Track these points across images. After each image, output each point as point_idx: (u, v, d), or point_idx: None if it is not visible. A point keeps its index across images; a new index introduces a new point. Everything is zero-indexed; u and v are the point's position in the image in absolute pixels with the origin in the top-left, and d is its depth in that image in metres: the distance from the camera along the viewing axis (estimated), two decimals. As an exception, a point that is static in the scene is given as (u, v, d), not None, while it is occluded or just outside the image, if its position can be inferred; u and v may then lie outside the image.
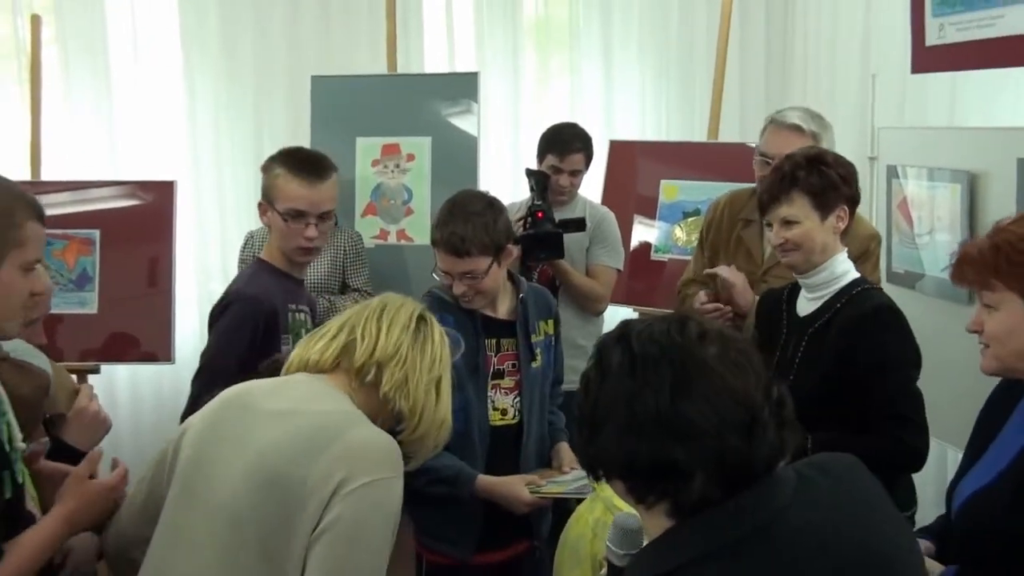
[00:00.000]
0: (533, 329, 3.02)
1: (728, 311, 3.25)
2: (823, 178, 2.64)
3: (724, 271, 3.30)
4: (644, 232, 4.81)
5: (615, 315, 5.42)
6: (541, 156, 4.04)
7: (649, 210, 4.82)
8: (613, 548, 1.67)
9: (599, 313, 4.22)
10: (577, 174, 4.06)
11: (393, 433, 1.96)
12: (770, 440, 1.37)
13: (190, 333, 4.93)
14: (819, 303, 2.68)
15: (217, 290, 4.93)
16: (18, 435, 1.96)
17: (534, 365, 3.00)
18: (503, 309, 2.98)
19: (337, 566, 1.72)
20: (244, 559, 1.75)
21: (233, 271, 4.39)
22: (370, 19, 5.11)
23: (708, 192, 4.56)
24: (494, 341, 2.97)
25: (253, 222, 4.77)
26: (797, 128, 3.24)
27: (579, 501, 2.25)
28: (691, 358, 1.36)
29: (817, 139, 3.22)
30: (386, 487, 1.78)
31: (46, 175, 4.61)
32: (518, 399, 2.98)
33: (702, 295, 3.37)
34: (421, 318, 2.07)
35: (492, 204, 2.90)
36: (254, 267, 3.01)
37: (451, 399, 2.08)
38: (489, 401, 2.95)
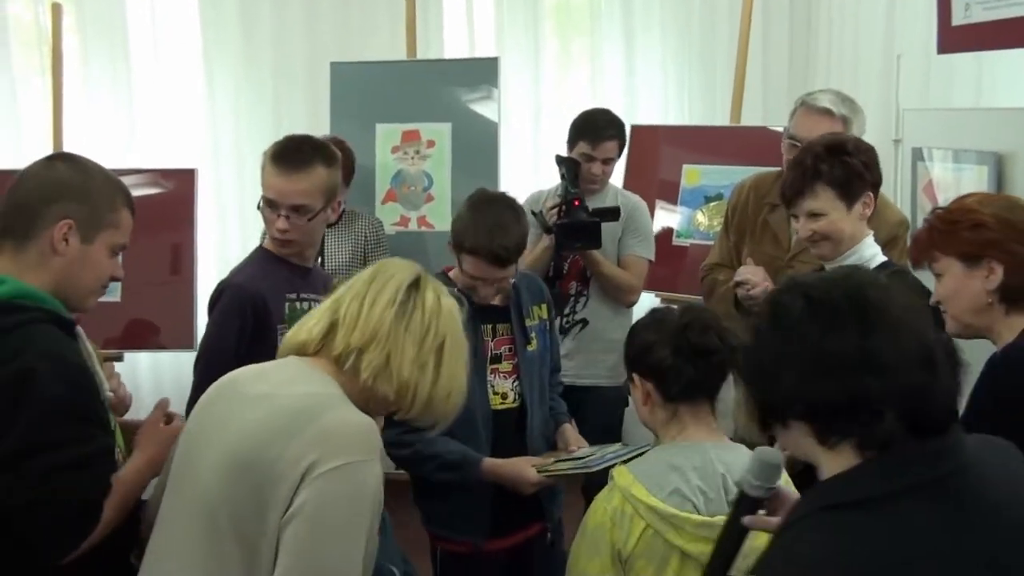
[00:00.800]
0: (527, 313, 3.04)
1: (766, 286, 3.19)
2: (846, 169, 2.63)
3: (739, 275, 3.25)
4: (666, 217, 4.77)
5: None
6: (572, 143, 3.94)
7: (671, 195, 4.79)
8: (750, 479, 1.69)
9: (631, 305, 4.10)
10: (609, 162, 3.94)
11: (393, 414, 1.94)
12: (947, 380, 1.44)
13: (212, 321, 4.96)
14: None
15: (238, 278, 4.97)
16: (106, 385, 2.09)
17: (530, 348, 3.02)
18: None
19: (304, 550, 1.68)
20: (221, 546, 1.72)
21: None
22: (389, 4, 5.10)
23: (730, 176, 4.52)
24: (490, 326, 2.98)
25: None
26: (827, 112, 3.20)
27: (599, 488, 2.22)
28: (870, 300, 1.43)
29: (847, 123, 3.17)
30: (356, 471, 1.72)
31: (68, 163, 4.62)
32: (517, 383, 2.99)
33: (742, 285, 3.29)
34: (412, 286, 1.93)
35: (519, 212, 2.92)
36: (253, 255, 2.98)
37: (463, 361, 1.95)
38: (489, 386, 2.96)
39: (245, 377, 1.92)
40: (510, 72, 5.13)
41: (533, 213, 3.74)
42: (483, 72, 4.66)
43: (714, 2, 5.42)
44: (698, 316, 2.20)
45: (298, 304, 2.87)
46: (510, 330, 3.00)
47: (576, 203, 3.65)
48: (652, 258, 4.15)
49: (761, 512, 1.71)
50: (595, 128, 3.89)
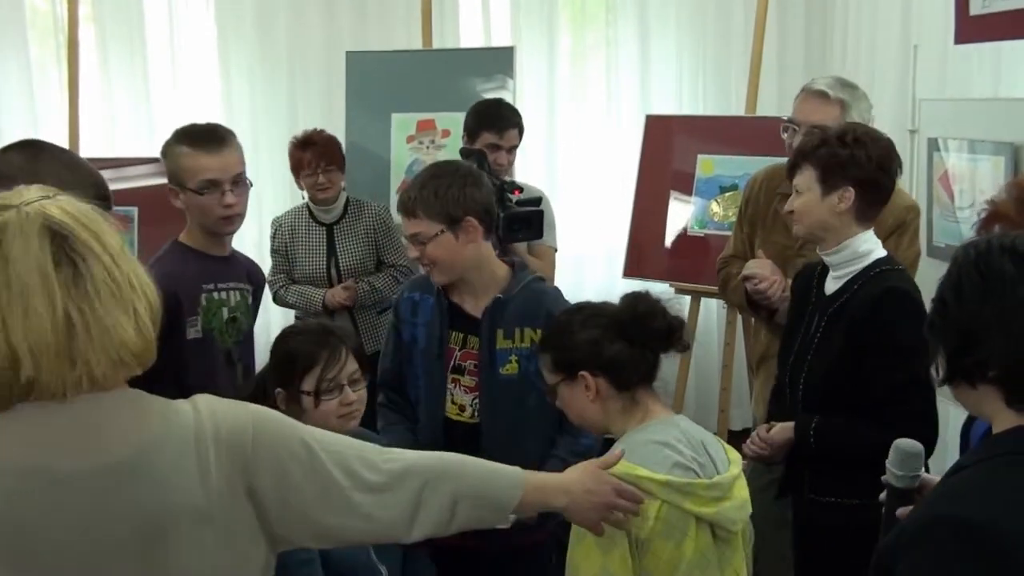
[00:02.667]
0: (508, 334, 2.77)
1: (781, 284, 3.18)
2: (831, 154, 2.59)
3: (747, 270, 3.25)
4: (681, 208, 4.77)
5: (652, 291, 5.42)
6: (474, 135, 3.81)
7: (686, 185, 4.78)
8: (895, 471, 1.76)
9: None
10: (513, 150, 3.87)
11: None
12: None
13: (227, 310, 4.98)
14: (841, 282, 2.65)
15: (254, 267, 4.98)
16: None
17: (503, 371, 2.76)
18: (481, 304, 2.78)
19: None
20: None
21: (268, 248, 4.41)
22: (405, -7, 5.11)
23: (745, 167, 4.52)
24: (461, 336, 2.81)
25: (289, 199, 4.80)
26: (823, 94, 3.19)
27: None
28: None
29: (845, 106, 3.16)
30: None
31: (84, 152, 4.64)
32: (477, 400, 2.80)
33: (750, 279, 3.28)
34: None
35: (463, 174, 2.73)
36: (164, 248, 2.92)
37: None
38: (448, 392, 2.82)
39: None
40: (525, 62, 5.14)
41: None
42: (499, 62, 4.66)
43: (730, -8, 5.41)
44: (646, 302, 2.22)
45: (216, 294, 2.85)
46: (479, 346, 2.78)
47: (517, 193, 3.56)
48: (557, 247, 4.06)
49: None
50: (500, 116, 3.83)
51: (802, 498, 2.74)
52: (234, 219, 2.87)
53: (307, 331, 2.53)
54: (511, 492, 1.79)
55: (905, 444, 1.76)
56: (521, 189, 3.63)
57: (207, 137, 2.84)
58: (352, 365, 2.44)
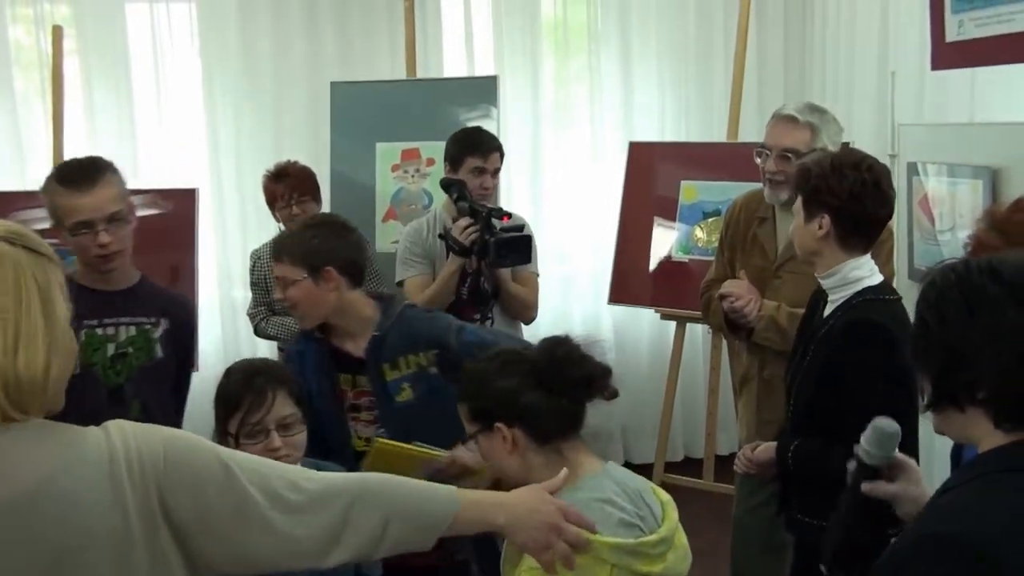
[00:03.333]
0: (394, 365, 2.85)
1: (750, 306, 3.25)
2: (808, 183, 2.64)
3: (725, 289, 3.32)
4: (665, 234, 4.81)
5: (637, 317, 5.45)
6: (458, 162, 3.81)
7: (669, 211, 4.82)
8: (869, 449, 1.76)
9: (531, 321, 4.02)
10: (496, 173, 3.88)
11: None
12: None
13: (213, 340, 4.97)
14: (832, 307, 2.70)
15: (240, 297, 4.99)
16: None
17: (399, 400, 2.85)
18: (361, 344, 2.87)
19: None
20: None
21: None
22: (389, 24, 5.15)
23: (728, 192, 4.55)
24: (351, 377, 2.90)
25: (274, 230, 4.80)
26: (792, 119, 3.25)
27: None
28: None
29: (815, 130, 3.22)
30: None
31: (69, 185, 4.65)
32: (382, 430, 2.85)
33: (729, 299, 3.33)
34: None
35: (335, 227, 2.88)
36: None
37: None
38: (352, 429, 2.91)
39: None
40: (509, 90, 5.17)
41: (441, 236, 3.71)
42: (482, 90, 4.70)
43: (710, 19, 5.47)
44: (565, 347, 2.09)
45: (99, 330, 2.83)
46: (371, 384, 2.87)
47: (505, 219, 3.63)
48: (539, 273, 4.08)
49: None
50: (482, 141, 3.85)
51: (792, 517, 2.79)
52: (112, 258, 2.81)
53: (239, 370, 2.46)
54: (446, 508, 1.67)
55: (883, 423, 1.75)
56: (510, 215, 3.68)
57: (80, 176, 2.79)
58: (284, 409, 2.35)
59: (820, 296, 2.84)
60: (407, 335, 2.87)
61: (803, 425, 2.69)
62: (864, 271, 2.66)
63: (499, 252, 3.58)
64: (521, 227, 3.73)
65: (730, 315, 3.29)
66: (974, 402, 1.47)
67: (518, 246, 3.62)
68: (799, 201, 2.67)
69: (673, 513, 2.05)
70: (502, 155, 3.90)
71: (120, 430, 1.51)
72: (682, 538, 2.04)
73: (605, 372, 2.07)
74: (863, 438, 1.77)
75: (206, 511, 1.51)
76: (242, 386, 2.36)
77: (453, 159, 3.84)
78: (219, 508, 1.51)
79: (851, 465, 1.83)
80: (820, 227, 2.62)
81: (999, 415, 1.46)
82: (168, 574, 1.50)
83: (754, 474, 2.83)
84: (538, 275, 4.05)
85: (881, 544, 1.60)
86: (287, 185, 4.14)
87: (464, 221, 3.63)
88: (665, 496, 2.10)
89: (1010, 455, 1.45)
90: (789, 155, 3.20)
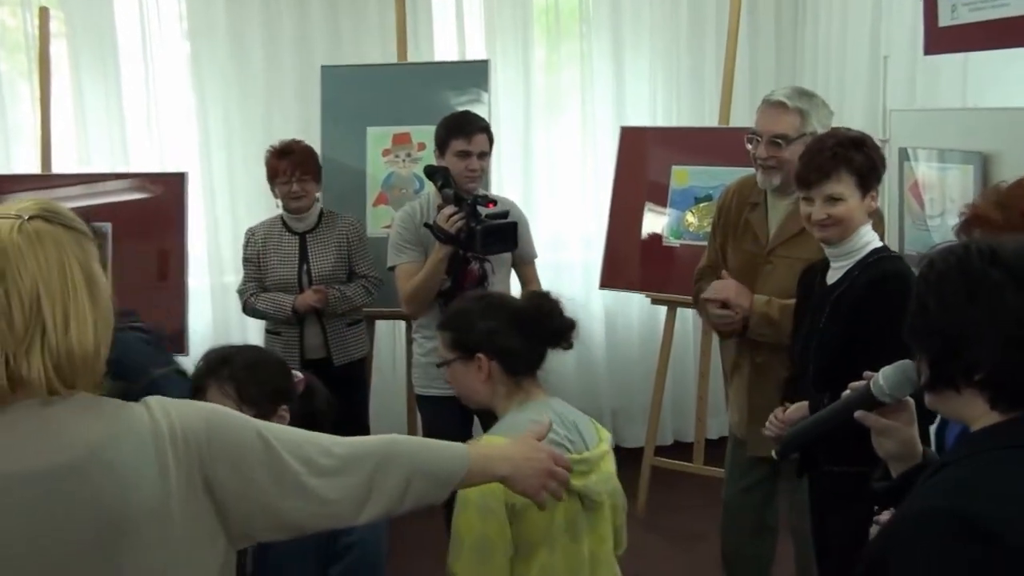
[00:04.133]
0: None
1: (737, 318, 3.29)
2: (868, 159, 2.76)
3: (710, 292, 3.36)
4: (656, 219, 4.80)
5: (628, 301, 5.45)
6: (444, 146, 3.81)
7: (660, 196, 4.82)
8: (883, 385, 1.80)
9: None
10: (484, 156, 3.83)
11: None
12: None
13: (203, 325, 4.96)
14: (841, 272, 2.80)
15: (230, 282, 4.97)
16: None
17: None
18: None
19: None
20: None
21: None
22: (379, 8, 5.12)
23: (719, 177, 4.56)
24: None
25: (264, 213, 4.79)
26: (781, 105, 3.26)
27: None
28: None
29: (804, 115, 3.24)
30: None
31: (56, 168, 4.63)
32: None
33: (712, 302, 3.37)
34: None
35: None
36: None
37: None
38: None
39: None
40: (500, 75, 5.16)
41: (427, 225, 3.71)
42: (474, 75, 4.69)
43: (702, 4, 5.45)
44: (549, 301, 2.43)
45: None
46: None
47: (491, 206, 3.63)
48: (537, 255, 4.13)
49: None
50: (466, 123, 3.83)
51: (822, 472, 2.86)
52: None
53: (205, 358, 2.44)
54: (460, 463, 1.79)
55: (911, 369, 1.75)
56: (495, 202, 3.68)
57: None
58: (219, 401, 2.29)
59: (814, 270, 2.94)
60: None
61: (826, 383, 2.72)
62: (871, 235, 2.81)
63: (485, 240, 3.59)
64: (506, 213, 3.72)
65: (714, 320, 3.35)
66: (971, 384, 1.49)
67: (504, 234, 3.63)
68: (848, 182, 2.73)
69: (606, 446, 2.37)
70: (490, 138, 3.88)
71: (161, 406, 1.55)
72: (608, 467, 2.36)
73: (573, 326, 2.42)
74: (883, 375, 1.80)
75: (247, 482, 1.56)
76: (197, 375, 2.39)
77: (439, 143, 3.83)
78: (260, 479, 1.57)
79: (854, 386, 1.88)
80: (872, 200, 2.79)
81: (996, 397, 1.48)
82: (208, 546, 1.55)
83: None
84: (536, 257, 4.09)
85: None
86: (290, 162, 4.16)
87: (449, 209, 3.63)
88: (606, 433, 2.42)
89: (1010, 432, 1.47)
90: (779, 140, 3.22)
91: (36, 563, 1.43)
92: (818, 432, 1.97)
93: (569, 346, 2.42)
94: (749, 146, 3.33)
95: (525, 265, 4.01)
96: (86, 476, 1.44)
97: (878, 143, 4.03)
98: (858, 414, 1.82)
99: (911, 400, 1.83)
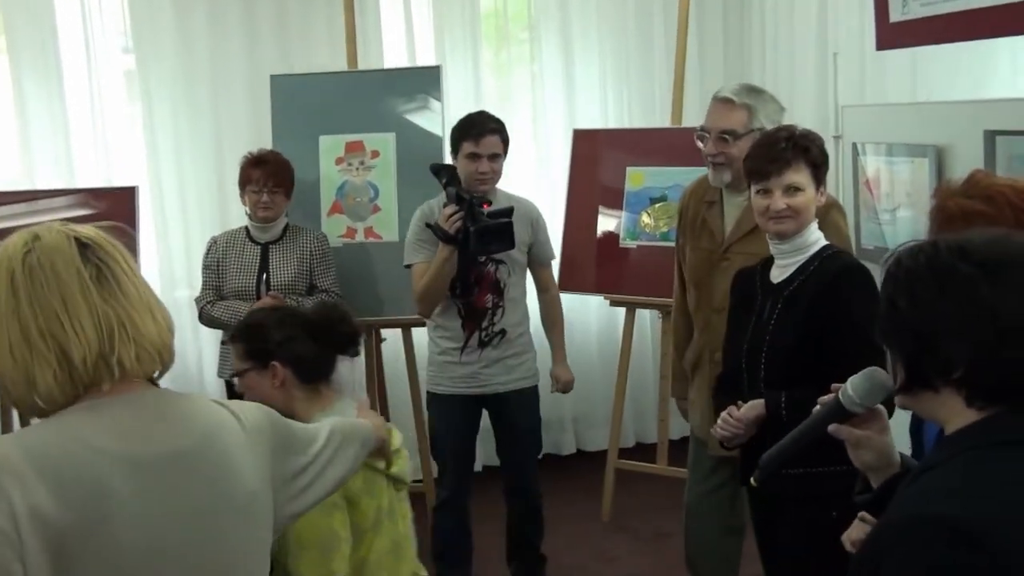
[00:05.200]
0: None
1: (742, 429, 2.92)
2: (820, 152, 2.79)
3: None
4: (611, 220, 4.81)
5: (585, 304, 5.45)
6: (456, 148, 3.84)
7: (615, 198, 4.82)
8: (853, 396, 1.77)
9: (555, 299, 4.24)
10: (495, 158, 3.83)
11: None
12: None
13: (157, 341, 4.87)
14: (792, 269, 2.78)
15: (182, 297, 4.89)
16: None
17: None
18: None
19: None
20: None
21: (198, 278, 4.34)
22: (328, 15, 5.06)
23: (674, 178, 4.57)
24: None
25: (216, 226, 4.73)
26: (728, 101, 3.27)
27: None
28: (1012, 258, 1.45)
29: (752, 111, 3.25)
30: None
31: (1, 186, 4.53)
32: None
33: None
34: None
35: None
36: None
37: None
38: None
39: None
40: (451, 79, 5.12)
41: (428, 225, 3.74)
42: (425, 80, 4.66)
43: (649, 5, 5.46)
44: (339, 310, 2.66)
45: None
46: None
47: (486, 206, 3.64)
48: (555, 256, 4.24)
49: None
50: (477, 123, 3.84)
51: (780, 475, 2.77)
52: None
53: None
54: (371, 431, 2.16)
55: (879, 376, 1.74)
56: (490, 202, 3.68)
57: None
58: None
59: (751, 271, 2.92)
60: None
61: (780, 380, 2.72)
62: (818, 232, 2.81)
63: (479, 240, 3.60)
64: (509, 211, 3.70)
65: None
66: (949, 382, 1.46)
67: (500, 233, 3.63)
68: (805, 173, 2.74)
69: (399, 435, 2.61)
70: (504, 139, 3.87)
71: (237, 405, 1.73)
72: (405, 451, 2.63)
73: (360, 333, 2.68)
74: (851, 385, 1.78)
75: (298, 472, 1.79)
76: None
77: (451, 144, 3.87)
78: (305, 467, 1.82)
79: (823, 401, 1.85)
80: (821, 195, 2.79)
81: (973, 394, 1.45)
82: (273, 533, 1.74)
83: (740, 433, 2.77)
84: (553, 259, 4.18)
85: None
86: (264, 171, 4.12)
87: (449, 209, 3.66)
88: (389, 426, 2.60)
89: (990, 430, 1.44)
90: (727, 136, 3.22)
91: (156, 540, 1.53)
92: (795, 451, 1.94)
93: (356, 353, 2.62)
94: (699, 143, 3.34)
95: (541, 267, 4.06)
96: (202, 460, 1.60)
97: (831, 139, 4.12)
98: (831, 428, 1.79)
99: (882, 408, 1.81)
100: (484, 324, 3.87)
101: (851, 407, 1.78)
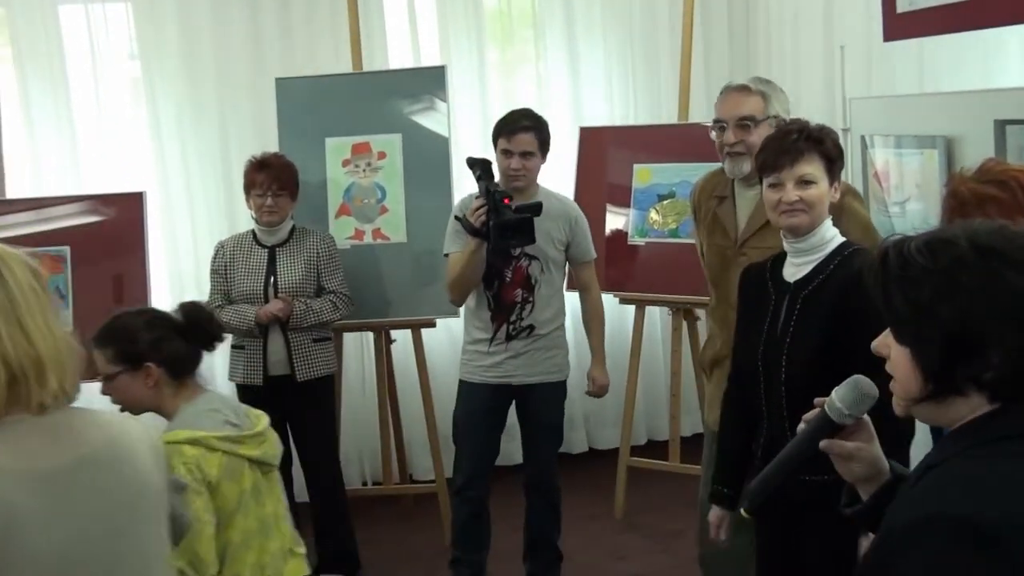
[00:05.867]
0: None
1: None
2: (835, 146, 2.71)
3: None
4: (619, 218, 4.80)
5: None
6: (494, 143, 3.91)
7: (622, 196, 4.81)
8: (840, 407, 1.71)
9: (597, 299, 4.24)
10: (528, 156, 3.84)
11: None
12: None
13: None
14: (809, 267, 2.69)
15: (192, 301, 4.90)
16: None
17: None
18: None
19: None
20: None
21: (207, 282, 4.33)
22: (332, 17, 5.06)
23: (682, 174, 4.56)
24: None
25: (224, 231, 4.73)
26: (744, 88, 3.24)
27: None
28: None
29: (766, 98, 3.21)
30: None
31: (10, 193, 4.54)
32: None
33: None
34: None
35: None
36: None
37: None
38: None
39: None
40: (456, 79, 5.12)
41: (457, 218, 3.80)
42: (430, 81, 4.66)
43: (654, 1, 5.45)
44: (203, 310, 2.79)
45: None
46: None
47: (506, 201, 3.66)
48: (596, 255, 4.20)
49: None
50: (511, 121, 3.88)
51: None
52: None
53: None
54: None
55: (864, 384, 1.70)
56: (510, 197, 3.68)
57: None
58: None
59: (761, 268, 2.83)
60: None
61: (802, 380, 2.61)
62: (834, 228, 2.72)
63: (500, 235, 3.64)
64: (535, 208, 3.71)
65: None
66: (979, 385, 1.39)
67: (521, 228, 3.65)
68: (819, 165, 2.66)
69: (265, 419, 2.73)
70: (540, 137, 3.88)
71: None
72: (272, 435, 2.73)
73: (222, 329, 2.90)
74: (837, 397, 1.72)
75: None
76: None
77: (492, 140, 3.92)
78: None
79: (808, 418, 1.79)
80: (835, 190, 2.70)
81: (1000, 391, 1.38)
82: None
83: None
84: (595, 257, 4.15)
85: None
86: (267, 175, 4.11)
87: (477, 202, 3.71)
88: (257, 412, 2.76)
89: (999, 422, 1.39)
90: (747, 123, 3.18)
91: (75, 547, 1.62)
92: (785, 473, 1.84)
93: (213, 349, 2.76)
94: (713, 135, 3.29)
95: (579, 265, 4.07)
96: (108, 463, 1.70)
97: (839, 132, 4.09)
98: (823, 444, 1.72)
99: (867, 417, 1.76)
100: (512, 318, 3.91)
101: (840, 419, 1.72)
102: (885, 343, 1.49)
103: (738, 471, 2.88)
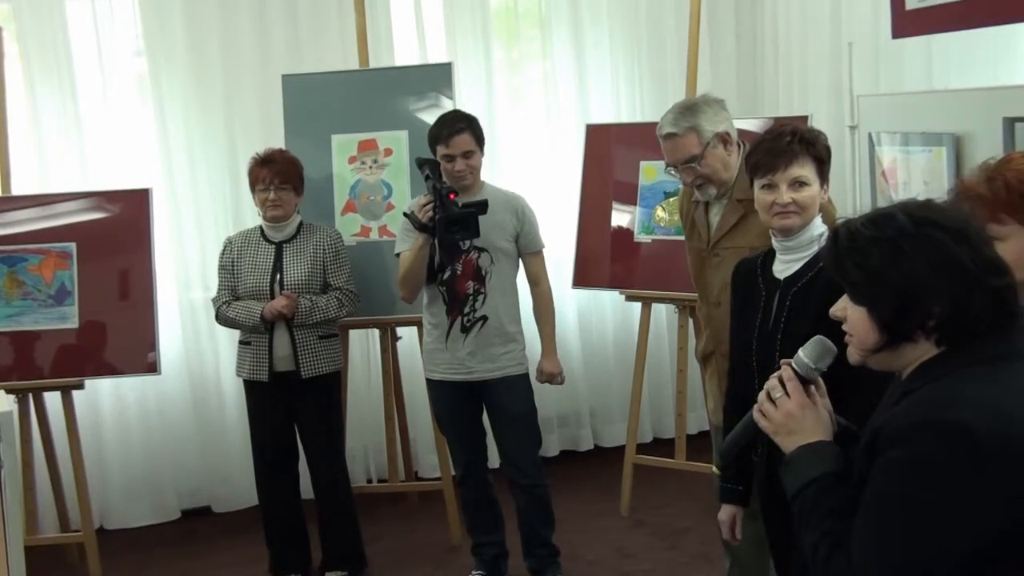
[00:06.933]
0: None
1: None
2: (825, 148, 2.74)
3: None
4: (624, 216, 4.79)
5: (600, 299, 5.44)
6: (433, 151, 3.95)
7: (629, 193, 4.80)
8: (806, 360, 1.92)
9: (546, 293, 4.20)
10: (470, 155, 3.89)
11: None
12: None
13: (173, 343, 4.88)
14: (799, 264, 2.71)
15: (198, 298, 4.90)
16: None
17: None
18: None
19: None
20: None
21: (213, 278, 4.33)
22: (338, 14, 5.06)
23: (688, 171, 4.54)
24: None
25: (231, 227, 4.73)
26: (672, 135, 3.29)
27: None
28: (962, 221, 1.67)
29: (697, 130, 3.25)
30: None
31: (16, 190, 4.54)
32: None
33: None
34: None
35: None
36: None
37: None
38: None
39: None
40: (462, 76, 5.11)
41: (405, 214, 3.90)
42: (437, 78, 4.65)
43: (661, -1, 5.45)
44: None
45: None
46: None
47: (452, 196, 3.78)
48: (544, 245, 4.19)
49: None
50: (442, 127, 3.91)
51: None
52: None
53: None
54: None
55: (826, 342, 1.91)
56: (456, 193, 3.81)
57: None
58: None
59: (752, 264, 2.84)
60: None
61: None
62: (823, 225, 2.74)
63: (447, 228, 3.76)
64: (484, 203, 3.81)
65: None
66: (926, 332, 1.66)
67: (466, 222, 3.76)
68: (811, 167, 2.69)
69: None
70: (476, 134, 3.92)
71: None
72: None
73: None
74: (804, 354, 1.92)
75: None
76: None
77: (429, 147, 3.96)
78: None
79: (777, 374, 1.95)
80: (825, 192, 2.74)
81: (943, 335, 1.65)
82: None
83: None
84: (543, 247, 4.15)
85: None
86: (271, 170, 4.14)
87: (424, 199, 3.83)
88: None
89: (960, 356, 1.64)
90: (692, 164, 3.24)
91: None
92: (754, 431, 2.03)
93: None
94: (672, 174, 3.38)
95: (528, 256, 4.09)
96: None
97: (846, 129, 4.09)
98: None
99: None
100: (466, 310, 3.95)
101: (809, 374, 1.91)
102: (842, 307, 1.77)
103: (745, 467, 2.89)
